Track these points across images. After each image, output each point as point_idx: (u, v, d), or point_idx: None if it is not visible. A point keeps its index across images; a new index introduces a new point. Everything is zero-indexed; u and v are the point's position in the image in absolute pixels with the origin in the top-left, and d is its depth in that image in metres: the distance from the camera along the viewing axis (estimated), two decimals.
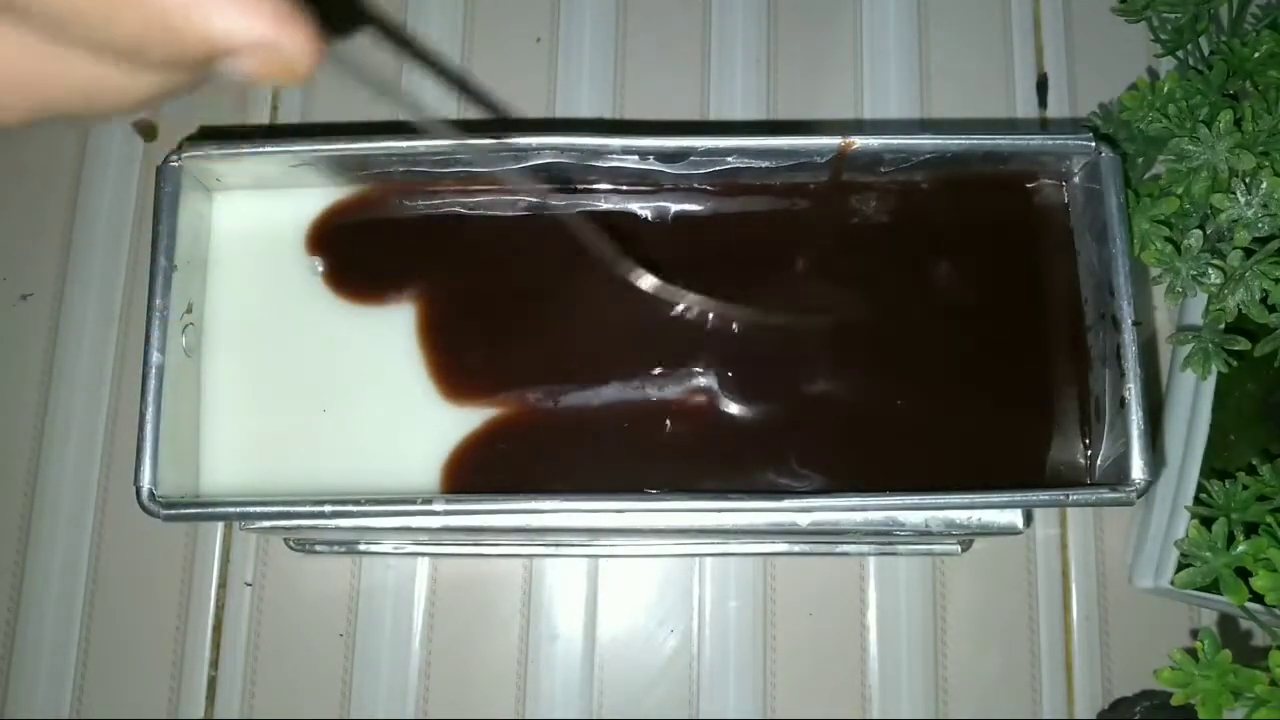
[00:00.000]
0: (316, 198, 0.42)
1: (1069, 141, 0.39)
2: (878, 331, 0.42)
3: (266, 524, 0.40)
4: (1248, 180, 0.38)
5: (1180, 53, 0.44)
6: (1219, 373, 0.39)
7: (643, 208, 0.42)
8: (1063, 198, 0.42)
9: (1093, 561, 0.46)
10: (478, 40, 0.51)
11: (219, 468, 0.40)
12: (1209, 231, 0.39)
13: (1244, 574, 0.36)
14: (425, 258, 0.42)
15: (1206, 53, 0.44)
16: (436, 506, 0.36)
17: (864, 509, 0.38)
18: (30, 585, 0.46)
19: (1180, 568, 0.40)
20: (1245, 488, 0.38)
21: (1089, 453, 0.40)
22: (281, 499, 0.38)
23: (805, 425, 0.41)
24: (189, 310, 0.39)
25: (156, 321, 0.38)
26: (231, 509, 0.38)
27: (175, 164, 0.39)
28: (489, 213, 0.42)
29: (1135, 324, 0.37)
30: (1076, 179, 0.41)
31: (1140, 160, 0.42)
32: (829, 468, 0.40)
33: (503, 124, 0.50)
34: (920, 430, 0.41)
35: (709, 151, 0.40)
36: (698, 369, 0.41)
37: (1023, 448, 0.41)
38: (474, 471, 0.40)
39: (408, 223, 0.42)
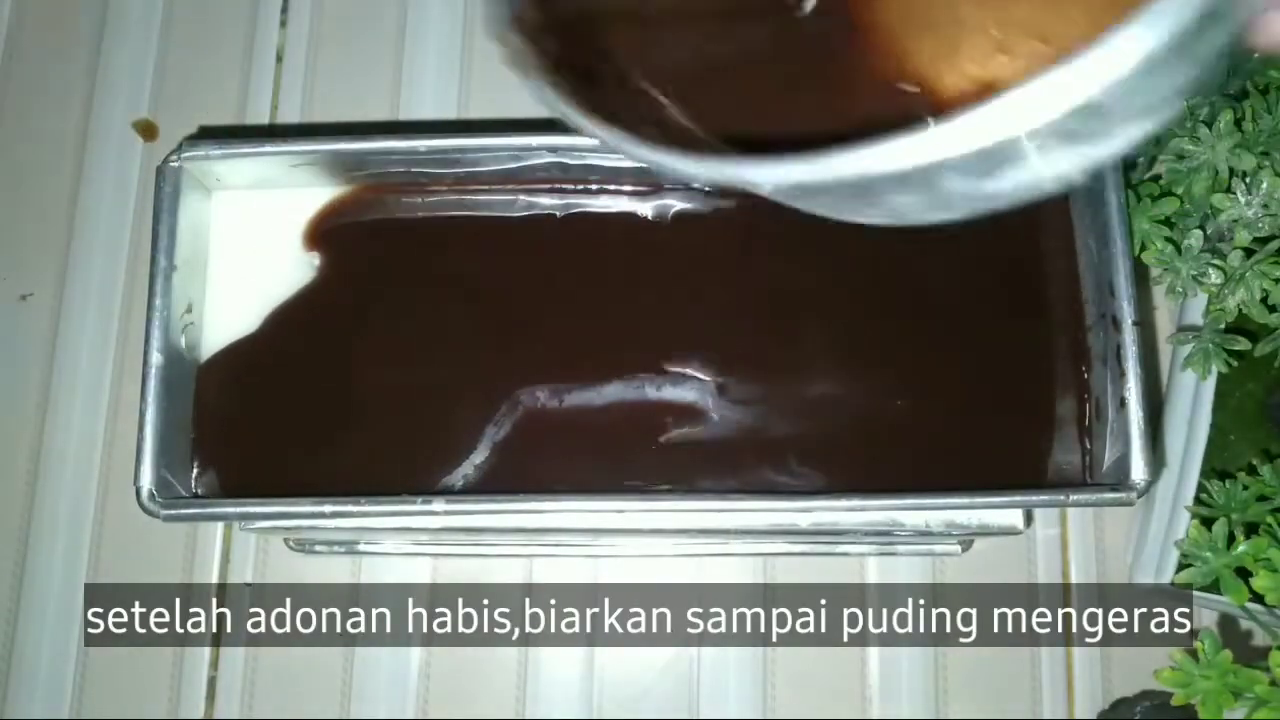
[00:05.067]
0: (316, 197, 0.42)
1: None
2: (878, 331, 0.42)
3: (266, 524, 0.40)
4: (1248, 180, 0.38)
5: None
6: (1219, 373, 0.39)
7: (643, 208, 0.42)
8: (1063, 198, 0.42)
9: (1093, 561, 0.46)
10: (478, 40, 0.51)
11: (219, 467, 0.40)
12: (1209, 231, 0.39)
13: (1244, 574, 0.36)
14: (424, 256, 0.42)
15: None
16: (436, 507, 0.36)
17: (864, 509, 0.38)
18: (30, 585, 0.46)
19: (1180, 568, 0.40)
20: (1245, 488, 0.38)
21: (1089, 453, 0.40)
22: (281, 499, 0.38)
23: (805, 425, 0.41)
24: (189, 310, 0.39)
25: (156, 321, 0.38)
26: (231, 509, 0.38)
27: (175, 164, 0.39)
28: (488, 213, 0.42)
29: (1135, 324, 0.37)
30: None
31: (1140, 160, 0.42)
32: (829, 468, 0.40)
33: (503, 124, 0.50)
34: (920, 430, 0.41)
35: None
36: (699, 369, 0.41)
37: (1023, 447, 0.41)
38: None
39: (407, 222, 0.42)
